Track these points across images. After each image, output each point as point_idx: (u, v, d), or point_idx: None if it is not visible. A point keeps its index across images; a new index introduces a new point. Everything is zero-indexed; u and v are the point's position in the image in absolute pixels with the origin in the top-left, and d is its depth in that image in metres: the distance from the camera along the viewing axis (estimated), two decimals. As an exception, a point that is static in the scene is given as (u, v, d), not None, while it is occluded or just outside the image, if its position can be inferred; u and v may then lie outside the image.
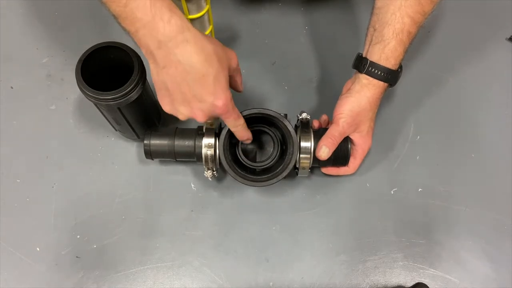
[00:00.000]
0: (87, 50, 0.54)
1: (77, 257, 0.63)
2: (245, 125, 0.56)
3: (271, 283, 0.62)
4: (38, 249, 0.63)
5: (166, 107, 0.52)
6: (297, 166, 0.60)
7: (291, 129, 0.57)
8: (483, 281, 0.62)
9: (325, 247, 0.64)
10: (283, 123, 0.56)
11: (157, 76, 0.48)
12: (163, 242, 0.63)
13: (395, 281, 0.62)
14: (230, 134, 0.57)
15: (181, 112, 0.51)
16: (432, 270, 0.62)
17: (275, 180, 0.57)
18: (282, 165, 0.58)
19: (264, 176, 0.58)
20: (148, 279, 0.62)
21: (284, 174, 0.57)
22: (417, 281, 0.61)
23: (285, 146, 0.60)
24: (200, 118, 0.51)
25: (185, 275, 0.62)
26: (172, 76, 0.47)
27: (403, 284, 0.62)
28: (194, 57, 0.45)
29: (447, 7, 0.78)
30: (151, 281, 0.62)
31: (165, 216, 0.65)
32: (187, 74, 0.46)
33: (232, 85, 0.56)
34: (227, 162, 0.57)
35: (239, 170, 0.58)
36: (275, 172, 0.58)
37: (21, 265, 0.62)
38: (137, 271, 0.62)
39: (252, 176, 0.58)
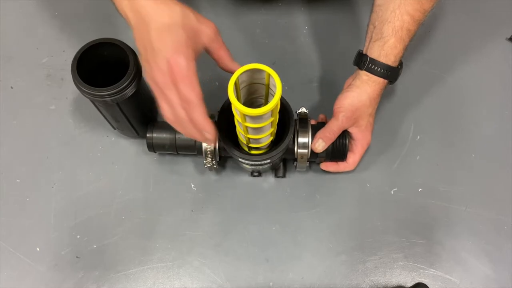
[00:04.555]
0: (82, 48, 0.54)
1: (77, 257, 0.63)
2: (201, 116, 0.46)
3: (271, 283, 0.62)
4: (38, 249, 0.63)
5: (143, 73, 0.49)
6: (295, 157, 0.60)
7: (288, 106, 0.56)
8: (483, 281, 0.62)
9: (325, 247, 0.64)
10: (282, 101, 0.54)
11: (134, 39, 0.47)
12: (163, 242, 0.63)
13: (395, 281, 0.62)
14: (229, 112, 0.53)
15: (147, 72, 0.47)
16: (432, 270, 0.62)
17: (271, 154, 0.55)
18: (280, 143, 0.56)
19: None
20: (148, 279, 0.62)
21: (282, 147, 0.55)
22: (417, 281, 0.61)
23: (282, 129, 0.58)
24: (160, 78, 0.45)
25: (185, 275, 0.62)
26: (138, 32, 0.46)
27: (403, 284, 0.62)
28: (153, 7, 0.45)
29: (447, 7, 0.78)
30: (151, 281, 0.62)
31: (165, 216, 0.65)
32: (147, 24, 0.45)
33: (216, 59, 0.51)
34: (224, 137, 0.55)
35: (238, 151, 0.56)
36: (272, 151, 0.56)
37: (21, 265, 0.62)
38: (137, 271, 0.62)
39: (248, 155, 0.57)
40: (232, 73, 0.46)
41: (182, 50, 0.44)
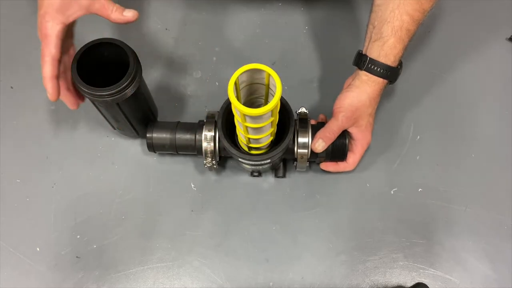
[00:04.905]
0: (81, 48, 0.54)
1: (77, 257, 0.63)
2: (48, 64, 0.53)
3: (271, 283, 0.62)
4: (38, 249, 0.63)
5: None
6: (295, 157, 0.60)
7: (288, 106, 0.56)
8: (483, 281, 0.62)
9: (325, 247, 0.64)
10: (281, 101, 0.55)
11: None
12: (163, 242, 0.63)
13: (395, 281, 0.62)
14: (229, 112, 0.54)
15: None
16: (432, 270, 0.62)
17: (271, 154, 0.55)
18: (281, 143, 0.56)
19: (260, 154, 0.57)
20: (148, 279, 0.62)
21: (282, 147, 0.55)
22: (417, 281, 0.61)
23: (282, 129, 0.58)
24: (38, 31, 0.52)
25: (185, 275, 0.62)
26: None
27: (403, 284, 0.62)
28: None
29: (447, 7, 0.78)
30: (151, 281, 0.62)
31: (165, 216, 0.65)
32: None
33: (106, 18, 0.53)
34: (224, 137, 0.55)
35: (238, 149, 0.56)
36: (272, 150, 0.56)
37: (21, 265, 0.62)
38: (137, 271, 0.62)
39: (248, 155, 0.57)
40: (124, 22, 0.52)
41: (51, 13, 0.50)
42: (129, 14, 0.53)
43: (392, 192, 0.67)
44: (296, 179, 0.67)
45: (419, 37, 0.75)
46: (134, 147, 0.69)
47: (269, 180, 0.68)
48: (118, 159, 0.68)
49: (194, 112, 0.70)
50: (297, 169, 0.64)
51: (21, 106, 0.71)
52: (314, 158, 0.62)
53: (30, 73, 0.74)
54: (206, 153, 0.60)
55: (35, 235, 0.64)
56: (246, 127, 0.48)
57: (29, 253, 0.63)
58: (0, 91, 0.72)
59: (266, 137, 0.52)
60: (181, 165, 0.68)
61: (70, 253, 0.63)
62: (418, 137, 0.70)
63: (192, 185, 0.67)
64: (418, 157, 0.69)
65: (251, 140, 0.52)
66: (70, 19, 0.52)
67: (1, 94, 0.72)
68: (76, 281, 0.61)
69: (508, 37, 0.76)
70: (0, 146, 0.69)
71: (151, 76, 0.73)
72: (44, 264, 0.62)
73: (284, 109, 0.55)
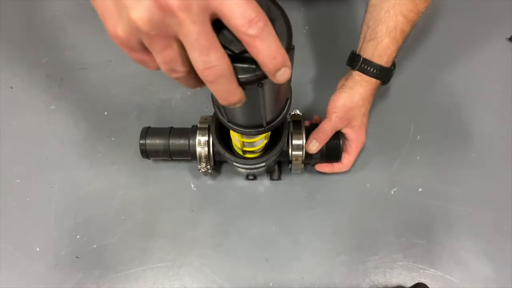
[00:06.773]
0: None
1: (77, 257, 0.63)
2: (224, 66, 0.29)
3: (271, 283, 0.62)
4: (38, 249, 0.63)
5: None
6: (290, 159, 0.60)
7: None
8: (483, 281, 0.62)
9: (325, 247, 0.64)
10: None
11: None
12: (163, 242, 0.63)
13: (395, 281, 0.62)
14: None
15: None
16: (432, 270, 0.62)
17: (266, 157, 0.55)
18: (274, 147, 0.56)
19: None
20: (148, 279, 0.62)
21: (277, 150, 0.55)
22: (417, 281, 0.61)
23: (277, 131, 0.57)
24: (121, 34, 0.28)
25: (185, 275, 0.62)
26: None
27: (403, 284, 0.62)
28: None
29: (447, 7, 0.78)
30: (151, 281, 0.62)
31: (165, 216, 0.65)
32: None
33: None
34: (218, 141, 0.55)
35: (231, 154, 0.56)
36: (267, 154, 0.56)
37: (21, 265, 0.62)
38: (137, 271, 0.62)
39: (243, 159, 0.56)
40: None
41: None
42: None
43: (392, 192, 0.67)
44: (297, 179, 0.67)
45: (419, 37, 0.75)
46: (134, 147, 0.69)
47: (264, 183, 0.67)
48: (118, 159, 0.68)
49: (193, 112, 0.70)
50: (292, 171, 0.63)
51: (21, 106, 0.71)
52: (309, 160, 0.62)
53: (30, 73, 0.74)
54: (200, 158, 0.59)
55: (35, 235, 0.64)
56: None
57: (29, 253, 0.63)
58: (0, 91, 0.72)
59: (260, 141, 0.52)
60: (181, 165, 0.68)
61: (70, 253, 0.63)
62: (418, 137, 0.70)
63: (192, 185, 0.67)
64: (418, 157, 0.69)
65: (245, 144, 0.52)
66: None
67: (1, 94, 0.72)
68: (76, 281, 0.61)
69: (508, 37, 0.76)
70: (0, 146, 0.69)
71: (150, 76, 0.73)
72: (44, 264, 0.62)
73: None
